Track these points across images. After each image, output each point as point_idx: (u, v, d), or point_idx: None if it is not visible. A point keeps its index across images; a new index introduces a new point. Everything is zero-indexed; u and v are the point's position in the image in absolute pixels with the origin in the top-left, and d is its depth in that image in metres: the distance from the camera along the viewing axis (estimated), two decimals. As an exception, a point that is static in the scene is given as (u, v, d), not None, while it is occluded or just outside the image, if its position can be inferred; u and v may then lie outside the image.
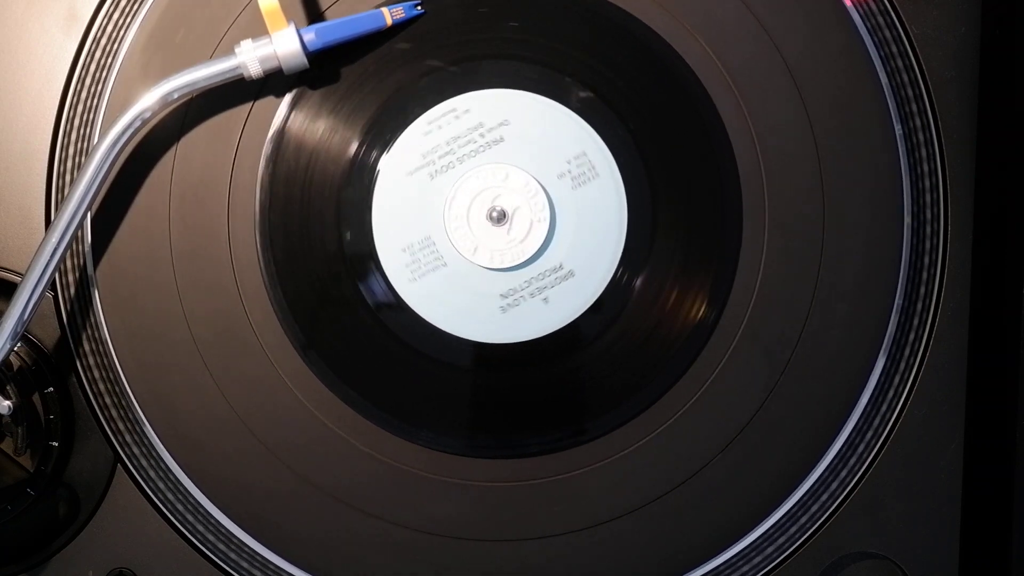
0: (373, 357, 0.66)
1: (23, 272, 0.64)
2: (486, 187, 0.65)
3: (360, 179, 0.66)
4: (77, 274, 0.67)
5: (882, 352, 0.68)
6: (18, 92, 0.68)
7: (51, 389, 0.67)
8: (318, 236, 0.66)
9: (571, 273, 0.66)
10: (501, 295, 0.66)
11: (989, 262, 0.67)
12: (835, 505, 0.68)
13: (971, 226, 0.68)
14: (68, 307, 0.68)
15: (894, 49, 0.67)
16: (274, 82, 0.65)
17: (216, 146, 0.66)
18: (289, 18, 0.62)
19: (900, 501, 0.68)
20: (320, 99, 0.66)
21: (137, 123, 0.62)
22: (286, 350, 0.67)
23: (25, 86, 0.68)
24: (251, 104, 0.66)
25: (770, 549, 0.69)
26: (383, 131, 0.65)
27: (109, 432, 0.68)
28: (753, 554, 0.69)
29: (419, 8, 0.65)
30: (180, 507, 0.69)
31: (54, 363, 0.68)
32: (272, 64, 0.63)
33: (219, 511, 0.69)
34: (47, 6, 0.68)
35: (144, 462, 0.69)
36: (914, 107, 0.68)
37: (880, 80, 0.67)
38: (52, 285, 0.67)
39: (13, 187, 0.68)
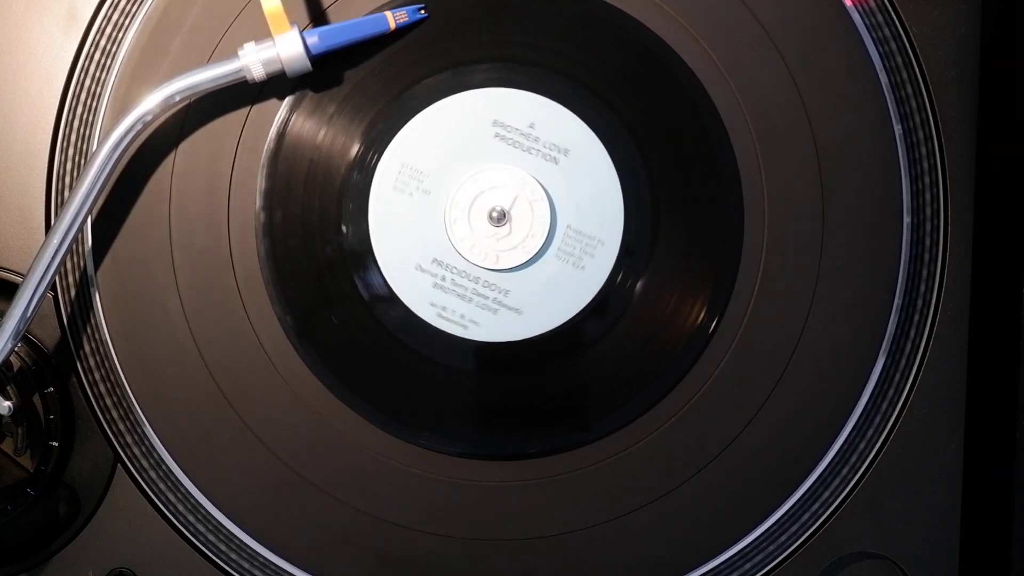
0: (373, 358, 0.66)
1: (23, 272, 0.64)
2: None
3: (360, 180, 0.65)
4: (78, 275, 0.67)
5: (882, 352, 0.68)
6: (18, 92, 0.68)
7: (51, 389, 0.67)
8: (319, 238, 0.66)
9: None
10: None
11: (989, 262, 0.67)
12: (835, 505, 0.68)
13: (971, 226, 0.68)
14: (68, 308, 0.68)
15: (894, 49, 0.67)
16: (275, 84, 0.65)
17: (216, 148, 0.66)
18: (291, 20, 0.62)
19: (900, 501, 0.68)
20: (321, 101, 0.66)
21: (138, 126, 0.62)
22: (287, 352, 0.67)
23: (25, 86, 0.68)
24: (251, 106, 0.66)
25: (771, 548, 0.69)
26: (384, 131, 0.66)
27: (109, 432, 0.68)
28: (754, 553, 0.69)
29: (422, 12, 0.65)
30: (180, 507, 0.69)
31: (54, 363, 0.68)
32: (275, 67, 0.63)
33: (219, 511, 0.69)
34: (47, 6, 0.68)
35: (144, 462, 0.69)
36: (914, 107, 0.68)
37: (880, 80, 0.67)
38: (52, 286, 0.67)
39: (13, 187, 0.68)
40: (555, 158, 0.65)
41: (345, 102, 0.66)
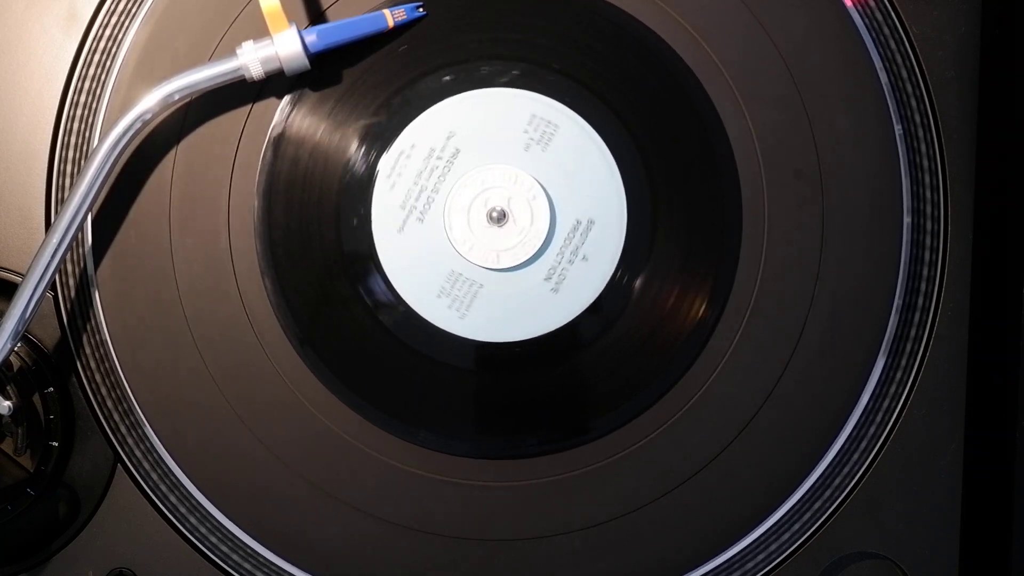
0: (373, 357, 0.66)
1: (23, 272, 0.64)
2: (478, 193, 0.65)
3: (360, 179, 0.66)
4: (77, 275, 0.67)
5: (882, 352, 0.68)
6: (18, 92, 0.68)
7: (51, 389, 0.67)
8: (318, 237, 0.66)
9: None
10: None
11: (989, 262, 0.67)
12: (835, 505, 0.68)
13: (971, 226, 0.68)
14: (68, 307, 0.68)
15: (894, 49, 0.67)
16: (274, 83, 0.65)
17: (216, 147, 0.66)
18: (290, 19, 0.62)
19: (900, 501, 0.68)
20: (320, 100, 0.66)
21: (138, 124, 0.62)
22: (286, 350, 0.67)
23: (25, 86, 0.68)
24: (251, 105, 0.66)
25: (772, 547, 0.69)
26: (383, 131, 0.66)
27: (109, 432, 0.68)
28: (755, 552, 0.69)
29: (420, 10, 0.65)
30: (180, 507, 0.69)
31: (54, 363, 0.68)
32: (274, 65, 0.63)
33: (219, 511, 0.69)
34: (47, 6, 0.68)
35: (144, 463, 0.69)
36: (914, 107, 0.68)
37: (880, 80, 0.67)
38: (52, 285, 0.67)
39: (13, 187, 0.68)
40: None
41: (344, 99, 0.66)
